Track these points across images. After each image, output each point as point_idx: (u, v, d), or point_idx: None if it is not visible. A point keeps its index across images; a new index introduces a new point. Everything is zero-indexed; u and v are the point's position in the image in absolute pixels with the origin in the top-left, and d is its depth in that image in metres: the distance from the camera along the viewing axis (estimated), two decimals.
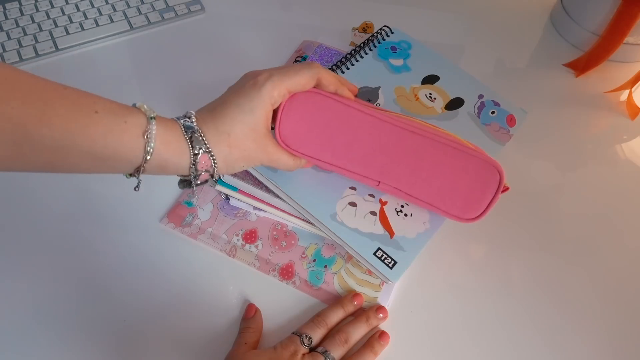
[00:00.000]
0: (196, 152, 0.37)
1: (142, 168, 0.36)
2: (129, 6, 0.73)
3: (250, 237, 0.52)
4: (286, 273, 0.50)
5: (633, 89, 0.66)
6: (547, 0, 0.79)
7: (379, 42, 0.61)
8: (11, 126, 0.30)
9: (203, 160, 0.38)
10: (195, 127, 0.38)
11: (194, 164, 0.38)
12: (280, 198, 0.50)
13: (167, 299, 0.49)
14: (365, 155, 0.45)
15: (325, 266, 0.51)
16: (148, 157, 0.35)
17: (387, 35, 0.62)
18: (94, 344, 0.46)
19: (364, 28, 0.71)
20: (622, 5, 0.64)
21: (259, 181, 0.50)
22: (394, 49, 0.61)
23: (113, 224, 0.53)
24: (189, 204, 0.54)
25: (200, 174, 0.38)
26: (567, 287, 0.51)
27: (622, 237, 0.55)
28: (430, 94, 0.58)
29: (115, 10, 0.72)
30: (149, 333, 0.47)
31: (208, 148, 0.38)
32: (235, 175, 0.51)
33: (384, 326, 0.48)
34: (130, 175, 0.37)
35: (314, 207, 0.48)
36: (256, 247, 0.52)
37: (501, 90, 0.60)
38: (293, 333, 0.45)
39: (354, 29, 0.71)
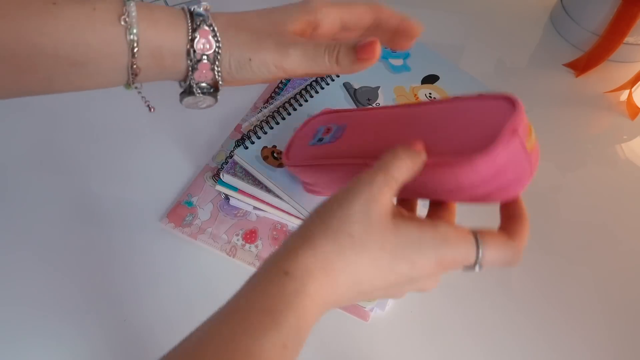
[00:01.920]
0: (195, 25, 0.30)
1: (133, 65, 0.29)
2: None
3: (250, 237, 0.52)
4: None
5: (633, 89, 0.66)
6: (547, 0, 0.79)
7: None
8: None
9: (202, 36, 0.30)
10: (194, 7, 0.31)
11: (191, 41, 0.30)
12: (280, 198, 0.50)
13: (167, 298, 0.49)
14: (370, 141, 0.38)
15: None
16: (135, 48, 0.29)
17: None
18: (94, 344, 0.46)
19: None
20: (622, 5, 0.64)
21: (259, 181, 0.50)
22: None
23: (113, 224, 0.53)
24: (189, 204, 0.54)
25: (201, 59, 0.31)
26: (566, 287, 0.51)
27: (622, 237, 0.55)
28: (430, 93, 0.58)
29: None
30: (149, 333, 0.47)
31: (209, 20, 0.31)
32: (235, 175, 0.51)
33: (383, 326, 0.48)
34: (128, 86, 0.31)
35: (313, 207, 0.48)
36: (256, 247, 0.52)
37: (501, 90, 0.60)
38: (476, 246, 0.31)
39: None
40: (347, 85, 0.56)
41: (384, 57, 0.60)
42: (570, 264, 0.53)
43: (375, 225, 0.28)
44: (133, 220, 0.53)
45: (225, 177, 0.51)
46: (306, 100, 0.54)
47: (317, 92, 0.55)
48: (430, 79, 0.59)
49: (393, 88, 0.57)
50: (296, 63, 0.32)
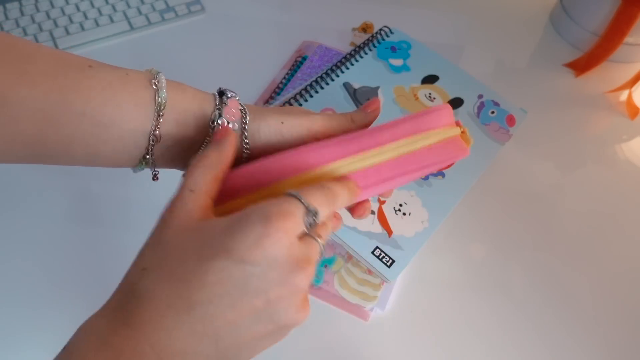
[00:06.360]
0: (223, 98, 0.32)
1: (156, 131, 0.29)
2: (129, 6, 0.73)
3: None
4: None
5: (633, 89, 0.66)
6: (547, 0, 0.79)
7: (379, 42, 0.61)
8: None
9: (231, 105, 0.31)
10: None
11: (219, 109, 0.31)
12: None
13: None
14: None
15: (325, 265, 0.51)
16: (162, 111, 0.29)
17: (387, 36, 0.62)
18: None
19: (364, 28, 0.71)
20: (622, 5, 0.64)
21: None
22: (393, 49, 0.61)
23: (113, 224, 0.53)
24: None
25: (228, 124, 0.31)
26: (566, 287, 0.51)
27: (622, 237, 0.55)
28: (430, 93, 0.58)
29: (115, 10, 0.72)
30: None
31: (237, 96, 0.32)
32: None
33: (383, 326, 0.48)
34: (143, 159, 0.31)
35: None
36: None
37: (501, 90, 0.60)
38: (293, 195, 0.26)
39: (354, 29, 0.71)
40: (347, 86, 0.56)
41: (384, 58, 0.60)
42: (570, 263, 0.53)
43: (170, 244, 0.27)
44: (133, 220, 0.54)
45: None
46: (306, 100, 0.54)
47: (317, 92, 0.55)
48: (430, 79, 0.59)
49: (393, 88, 0.57)
50: (321, 124, 0.34)
